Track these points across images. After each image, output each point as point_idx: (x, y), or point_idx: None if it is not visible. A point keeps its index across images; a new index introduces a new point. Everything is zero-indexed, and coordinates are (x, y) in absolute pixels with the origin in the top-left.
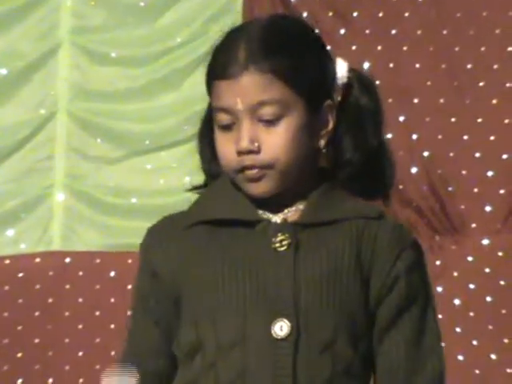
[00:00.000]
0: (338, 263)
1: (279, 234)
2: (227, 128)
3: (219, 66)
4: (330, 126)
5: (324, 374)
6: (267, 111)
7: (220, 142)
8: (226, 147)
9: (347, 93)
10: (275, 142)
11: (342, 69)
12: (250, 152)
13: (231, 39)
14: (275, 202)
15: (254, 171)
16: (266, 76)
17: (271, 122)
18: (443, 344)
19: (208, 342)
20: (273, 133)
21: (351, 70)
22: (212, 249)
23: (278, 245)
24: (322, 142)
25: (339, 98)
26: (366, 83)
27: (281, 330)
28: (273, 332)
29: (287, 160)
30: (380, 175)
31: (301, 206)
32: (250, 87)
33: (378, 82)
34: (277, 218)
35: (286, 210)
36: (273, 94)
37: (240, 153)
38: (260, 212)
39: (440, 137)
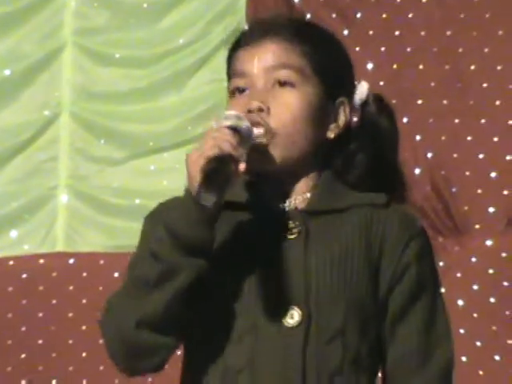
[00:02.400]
0: (349, 251)
1: (290, 222)
2: (240, 92)
3: (243, 38)
4: (341, 122)
5: (333, 363)
6: (282, 73)
7: (233, 104)
8: (237, 108)
9: (365, 113)
10: (285, 108)
11: (362, 89)
12: (259, 110)
13: (252, 23)
14: (279, 189)
15: (262, 130)
16: (285, 43)
17: (284, 88)
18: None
19: (218, 328)
20: (284, 99)
21: (370, 92)
22: (221, 234)
23: (288, 233)
24: (330, 135)
25: (356, 118)
26: (384, 105)
27: (291, 318)
28: (284, 320)
29: (293, 130)
30: (388, 190)
31: (308, 195)
32: (268, 51)
33: (381, 83)
34: (285, 206)
35: (293, 198)
36: (290, 59)
37: (249, 111)
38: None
39: (443, 138)
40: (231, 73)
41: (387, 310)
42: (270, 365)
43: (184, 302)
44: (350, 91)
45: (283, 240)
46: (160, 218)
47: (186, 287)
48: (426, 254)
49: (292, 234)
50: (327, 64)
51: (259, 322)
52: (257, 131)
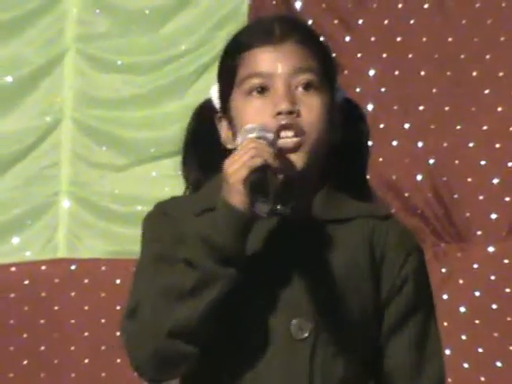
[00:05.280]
0: (355, 263)
1: (297, 232)
2: (260, 93)
3: (257, 36)
4: (340, 130)
5: (339, 375)
6: (306, 77)
7: (252, 105)
8: (261, 110)
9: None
10: (313, 111)
11: (341, 95)
12: (289, 113)
13: (260, 20)
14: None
15: (291, 134)
16: (306, 48)
17: (309, 91)
18: (448, 351)
19: (223, 337)
20: (312, 102)
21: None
22: None
23: (296, 243)
24: (336, 140)
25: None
26: (359, 109)
27: (300, 329)
28: (292, 332)
29: (320, 135)
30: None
31: (313, 202)
32: (291, 54)
33: (383, 90)
34: (287, 212)
35: (300, 205)
36: (312, 63)
37: (279, 113)
38: None
39: (445, 144)
40: (247, 72)
41: (383, 322)
42: (276, 376)
43: (217, 312)
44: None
45: (292, 250)
46: (165, 220)
47: (222, 297)
48: (423, 270)
49: (299, 245)
50: (333, 71)
51: (266, 333)
52: (284, 134)
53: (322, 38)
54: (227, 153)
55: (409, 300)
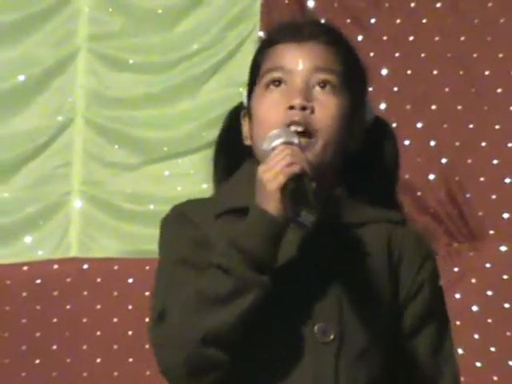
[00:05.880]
0: (374, 266)
1: (317, 236)
2: (277, 86)
3: (284, 33)
4: (359, 137)
5: (363, 378)
6: (328, 76)
7: (268, 97)
8: (275, 103)
9: (369, 136)
10: (328, 110)
11: (371, 111)
12: (302, 108)
13: (292, 20)
14: None
15: (301, 129)
16: (330, 50)
17: (325, 90)
18: (460, 350)
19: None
20: (327, 101)
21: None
22: None
23: (316, 247)
24: (353, 147)
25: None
26: (388, 130)
27: (324, 334)
28: (317, 336)
29: (332, 135)
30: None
31: (323, 210)
32: (314, 52)
33: (395, 89)
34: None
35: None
36: (332, 64)
37: (291, 108)
38: None
39: (458, 143)
40: (268, 66)
41: (401, 326)
42: (302, 379)
43: (250, 320)
44: (363, 111)
45: (314, 254)
46: (184, 222)
47: (256, 304)
48: (437, 275)
49: (321, 250)
50: (358, 78)
51: (293, 338)
52: (294, 129)
53: (352, 45)
54: (250, 152)
55: (425, 304)
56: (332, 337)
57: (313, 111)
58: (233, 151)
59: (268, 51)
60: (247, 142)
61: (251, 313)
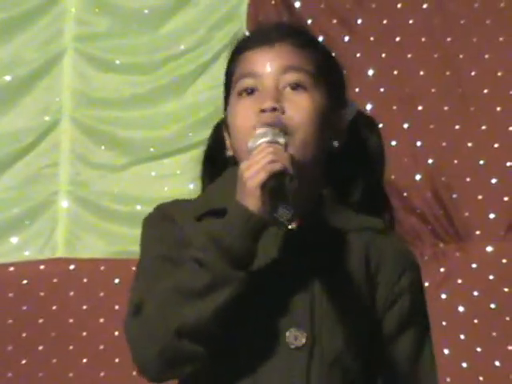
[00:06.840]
0: (352, 276)
1: (294, 239)
2: (250, 93)
3: (251, 40)
4: (342, 135)
5: None
6: (294, 76)
7: (240, 105)
8: (247, 109)
9: (353, 133)
10: (299, 109)
11: (353, 108)
12: (273, 110)
13: (260, 26)
14: None
15: (276, 131)
16: (299, 50)
17: (296, 90)
18: (446, 351)
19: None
20: (298, 100)
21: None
22: None
23: (293, 251)
24: (335, 145)
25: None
26: (371, 124)
27: (296, 339)
28: (288, 341)
29: (307, 133)
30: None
31: (306, 212)
32: (281, 54)
33: (382, 90)
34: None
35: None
36: (302, 63)
37: (263, 111)
38: None
39: (444, 144)
40: (239, 73)
41: (379, 335)
42: (274, 382)
43: (225, 315)
44: (344, 108)
45: (289, 258)
46: (166, 221)
47: (231, 300)
48: (418, 287)
49: (296, 253)
50: (332, 76)
51: (265, 341)
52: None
53: (323, 44)
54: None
55: (403, 314)
56: (303, 342)
57: (283, 112)
58: (219, 165)
59: (238, 58)
60: (229, 153)
61: (227, 307)
